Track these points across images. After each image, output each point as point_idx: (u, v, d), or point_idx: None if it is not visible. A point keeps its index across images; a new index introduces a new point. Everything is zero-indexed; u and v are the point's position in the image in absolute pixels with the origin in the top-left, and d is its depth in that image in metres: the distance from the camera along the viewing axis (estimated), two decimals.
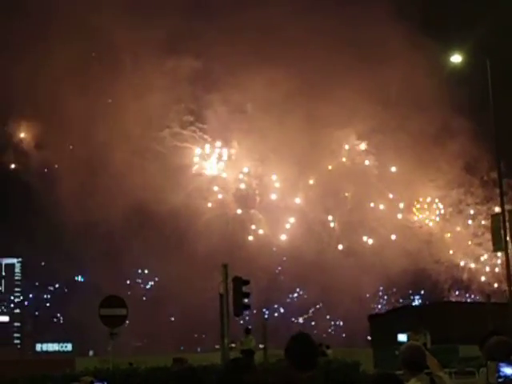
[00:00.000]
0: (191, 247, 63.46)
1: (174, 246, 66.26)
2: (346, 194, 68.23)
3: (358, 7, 63.21)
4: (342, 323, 76.76)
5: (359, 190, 67.89)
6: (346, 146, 68.55)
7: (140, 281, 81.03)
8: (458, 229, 70.15)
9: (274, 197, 68.51)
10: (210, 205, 66.83)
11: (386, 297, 76.38)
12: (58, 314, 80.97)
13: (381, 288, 75.19)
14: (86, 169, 62.02)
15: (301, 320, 75.98)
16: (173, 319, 73.58)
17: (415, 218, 70.10)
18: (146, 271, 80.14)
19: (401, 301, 76.89)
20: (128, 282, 75.98)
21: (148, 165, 62.69)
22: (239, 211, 68.17)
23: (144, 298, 73.05)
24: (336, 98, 61.70)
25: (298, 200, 68.32)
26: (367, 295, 72.77)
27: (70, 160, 63.28)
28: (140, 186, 59.95)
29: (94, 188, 61.27)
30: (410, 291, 76.63)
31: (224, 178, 68.21)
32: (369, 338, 56.38)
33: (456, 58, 35.74)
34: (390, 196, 68.53)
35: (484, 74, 33.35)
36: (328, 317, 76.07)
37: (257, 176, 68.09)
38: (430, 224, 70.27)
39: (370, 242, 68.15)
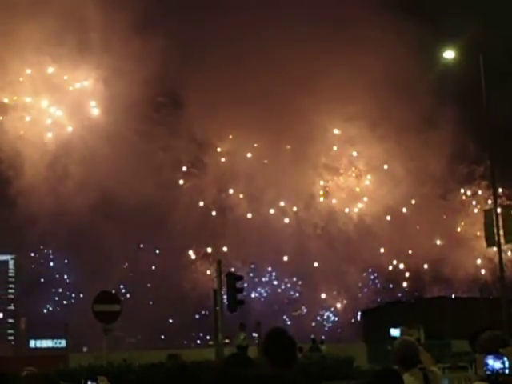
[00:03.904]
0: (168, 236, 62.56)
1: (148, 237, 65.28)
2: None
3: None
4: (333, 316, 76.22)
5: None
6: (335, 130, 67.40)
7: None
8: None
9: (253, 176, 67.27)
10: (185, 188, 65.22)
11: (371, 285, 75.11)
12: (52, 309, 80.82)
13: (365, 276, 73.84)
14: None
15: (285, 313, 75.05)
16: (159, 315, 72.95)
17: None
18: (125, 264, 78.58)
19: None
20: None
21: (116, 150, 59.73)
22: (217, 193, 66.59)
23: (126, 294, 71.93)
24: (319, 84, 61.08)
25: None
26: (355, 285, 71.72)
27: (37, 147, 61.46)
28: (108, 173, 57.55)
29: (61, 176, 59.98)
30: (391, 285, 75.50)
31: (200, 160, 66.69)
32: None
33: (449, 54, 35.83)
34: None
35: (473, 67, 33.50)
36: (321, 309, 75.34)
37: (235, 154, 66.70)
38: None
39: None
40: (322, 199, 68.41)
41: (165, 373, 5.84)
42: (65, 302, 79.18)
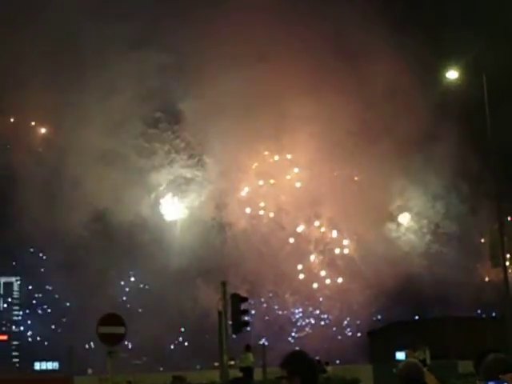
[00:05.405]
0: (165, 258, 62.20)
1: (146, 257, 64.56)
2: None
3: (346, 5, 61.08)
4: (339, 336, 75.37)
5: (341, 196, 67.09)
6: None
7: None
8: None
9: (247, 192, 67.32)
10: (184, 210, 65.00)
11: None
12: (58, 331, 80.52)
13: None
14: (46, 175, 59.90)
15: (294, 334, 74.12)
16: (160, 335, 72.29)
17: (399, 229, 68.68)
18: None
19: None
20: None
21: (111, 168, 59.61)
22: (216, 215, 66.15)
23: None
24: (319, 96, 61.09)
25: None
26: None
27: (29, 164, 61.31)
28: (102, 192, 57.39)
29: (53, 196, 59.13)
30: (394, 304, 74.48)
31: (198, 180, 66.50)
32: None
33: (452, 74, 35.91)
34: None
35: (476, 86, 33.57)
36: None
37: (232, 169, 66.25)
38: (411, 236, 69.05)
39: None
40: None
41: None
42: (68, 321, 78.74)
